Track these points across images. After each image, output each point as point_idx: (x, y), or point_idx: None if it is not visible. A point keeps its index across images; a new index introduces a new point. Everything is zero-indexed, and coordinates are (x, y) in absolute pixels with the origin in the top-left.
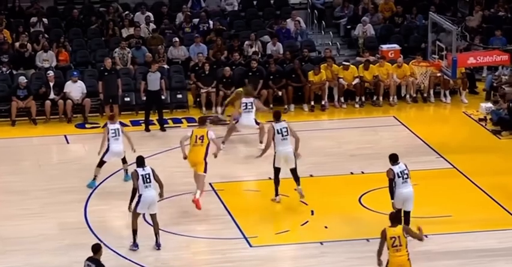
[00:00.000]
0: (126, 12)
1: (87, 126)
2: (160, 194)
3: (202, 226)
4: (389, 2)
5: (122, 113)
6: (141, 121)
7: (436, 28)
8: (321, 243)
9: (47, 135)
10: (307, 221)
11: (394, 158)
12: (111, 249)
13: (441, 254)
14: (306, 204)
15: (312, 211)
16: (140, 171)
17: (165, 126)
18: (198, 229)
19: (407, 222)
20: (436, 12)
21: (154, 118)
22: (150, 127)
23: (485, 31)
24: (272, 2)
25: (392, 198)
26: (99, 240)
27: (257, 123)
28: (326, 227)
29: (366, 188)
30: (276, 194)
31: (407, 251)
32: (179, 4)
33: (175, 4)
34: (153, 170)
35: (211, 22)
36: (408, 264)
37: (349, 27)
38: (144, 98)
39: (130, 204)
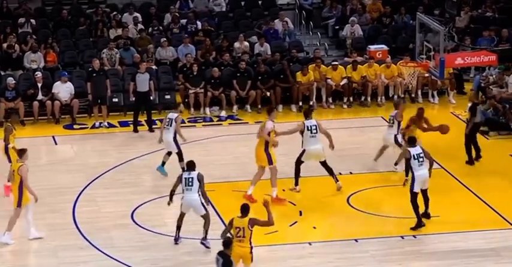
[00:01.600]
0: (114, 13)
1: (75, 126)
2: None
3: (191, 227)
4: (377, 2)
5: (110, 114)
6: (129, 122)
7: (424, 28)
8: (310, 243)
9: (35, 136)
10: (295, 222)
11: (411, 141)
12: (100, 250)
13: (429, 254)
14: (294, 205)
15: (301, 212)
16: (185, 174)
17: (153, 126)
18: (187, 230)
19: (426, 198)
20: (424, 13)
21: (142, 118)
22: (139, 128)
23: (473, 31)
24: (260, 2)
25: (406, 175)
26: (88, 241)
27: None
28: (314, 227)
29: (354, 188)
30: (296, 184)
31: (250, 244)
32: (167, 5)
33: (163, 5)
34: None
35: (199, 23)
36: (249, 257)
37: (337, 27)
38: (133, 99)
39: (169, 200)
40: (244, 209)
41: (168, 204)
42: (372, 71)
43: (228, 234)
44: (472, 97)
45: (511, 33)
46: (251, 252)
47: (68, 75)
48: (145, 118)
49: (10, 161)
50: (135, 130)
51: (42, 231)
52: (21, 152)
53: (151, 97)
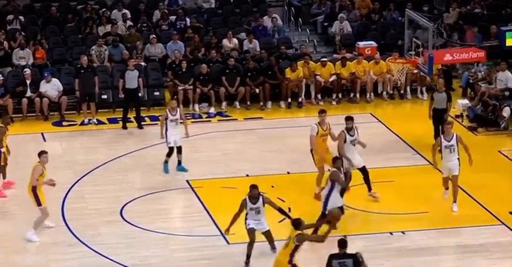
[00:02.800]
0: (103, 10)
1: (64, 123)
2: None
3: (180, 223)
4: None
5: (99, 111)
6: (118, 119)
7: (412, 25)
8: None
9: (24, 133)
10: (284, 218)
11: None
12: (89, 247)
13: (418, 251)
14: (283, 201)
15: (289, 208)
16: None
17: (142, 123)
18: (175, 226)
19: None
20: (413, 9)
21: (131, 115)
22: (128, 124)
23: (461, 28)
24: None
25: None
26: (76, 238)
27: None
28: None
29: None
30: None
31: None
32: (156, 1)
33: (152, 1)
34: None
35: (188, 19)
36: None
37: (326, 24)
38: (122, 96)
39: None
40: (297, 224)
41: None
42: (361, 68)
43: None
44: (434, 81)
45: (499, 29)
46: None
47: (49, 75)
48: (134, 115)
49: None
50: (124, 127)
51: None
52: (40, 153)
53: (139, 94)
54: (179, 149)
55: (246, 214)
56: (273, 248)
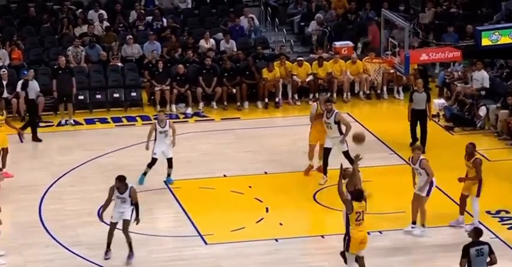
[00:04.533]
0: (80, 10)
1: (41, 124)
2: None
3: (157, 224)
4: None
5: (76, 111)
6: (95, 120)
7: (389, 25)
8: (276, 240)
9: None
10: (262, 218)
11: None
12: (66, 248)
13: (395, 250)
14: (261, 201)
15: (267, 208)
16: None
17: (119, 124)
18: (153, 227)
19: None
20: (389, 9)
21: (108, 116)
22: (104, 125)
23: (437, 27)
24: None
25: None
26: (54, 239)
27: None
28: (281, 224)
29: (321, 185)
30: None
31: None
32: (132, 2)
33: (128, 2)
34: None
35: (164, 20)
36: (367, 240)
37: (302, 24)
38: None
39: None
40: (361, 194)
41: None
42: (338, 67)
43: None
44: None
45: (475, 29)
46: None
47: (27, 73)
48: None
49: None
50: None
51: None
52: None
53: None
54: (169, 162)
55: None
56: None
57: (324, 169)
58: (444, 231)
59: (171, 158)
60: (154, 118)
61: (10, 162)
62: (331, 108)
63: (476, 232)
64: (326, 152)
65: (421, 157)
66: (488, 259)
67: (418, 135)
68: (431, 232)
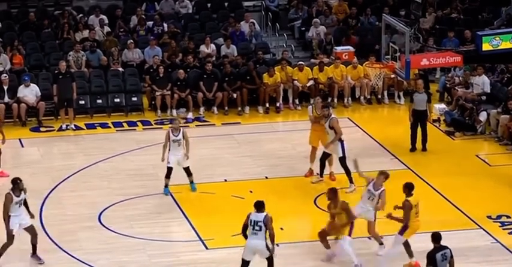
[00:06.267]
0: (80, 15)
1: (41, 129)
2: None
3: (158, 229)
4: (343, 3)
5: (77, 116)
6: (96, 124)
7: (389, 30)
8: (277, 245)
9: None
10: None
11: None
12: (67, 253)
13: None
14: None
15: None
16: (252, 216)
17: (119, 129)
18: (153, 232)
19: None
20: (390, 14)
21: (109, 121)
22: (104, 130)
23: (438, 32)
24: (226, 4)
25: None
26: (54, 244)
27: None
28: (282, 228)
29: (321, 189)
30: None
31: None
32: (133, 7)
33: (129, 7)
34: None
35: (165, 25)
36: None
37: (303, 29)
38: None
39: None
40: (411, 187)
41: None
42: (339, 72)
43: None
44: (411, 85)
45: (476, 34)
46: None
47: (28, 79)
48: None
49: None
50: None
51: None
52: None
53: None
54: (187, 171)
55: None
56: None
57: (320, 170)
58: (444, 236)
59: (187, 167)
60: (155, 122)
61: (12, 166)
62: (327, 113)
63: (436, 237)
64: (324, 155)
65: (383, 187)
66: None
67: (417, 139)
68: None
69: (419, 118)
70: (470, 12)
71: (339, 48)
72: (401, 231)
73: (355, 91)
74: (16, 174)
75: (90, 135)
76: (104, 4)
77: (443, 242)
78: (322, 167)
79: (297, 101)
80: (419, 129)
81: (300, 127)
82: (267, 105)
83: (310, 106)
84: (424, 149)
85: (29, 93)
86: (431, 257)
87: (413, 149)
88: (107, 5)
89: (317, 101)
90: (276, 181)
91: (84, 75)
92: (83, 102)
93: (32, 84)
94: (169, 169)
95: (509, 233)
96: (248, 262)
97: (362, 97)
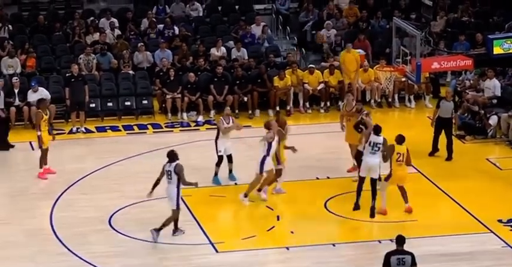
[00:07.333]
0: (91, 18)
1: (52, 132)
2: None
3: (168, 232)
4: (354, 7)
5: (87, 119)
6: (106, 127)
7: (400, 33)
8: (287, 248)
9: (12, 142)
10: (273, 227)
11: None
12: (77, 256)
13: None
14: (272, 209)
15: (278, 216)
16: (166, 166)
17: (130, 132)
18: (164, 235)
19: (373, 190)
20: (400, 17)
21: (119, 124)
22: (115, 133)
23: (449, 36)
24: (237, 7)
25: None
26: (65, 246)
27: None
28: (292, 232)
29: (332, 193)
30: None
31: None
32: (144, 10)
33: (140, 10)
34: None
35: (176, 28)
36: (407, 177)
37: (314, 32)
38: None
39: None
40: (403, 139)
41: (149, 193)
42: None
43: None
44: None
45: (487, 37)
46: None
47: (36, 84)
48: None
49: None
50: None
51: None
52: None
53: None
54: (229, 157)
55: None
56: None
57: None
58: (455, 240)
59: (230, 155)
60: (165, 126)
61: (23, 169)
62: (360, 108)
63: (398, 240)
64: (358, 154)
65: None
66: None
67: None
68: (442, 241)
69: (443, 126)
70: (481, 15)
71: None
72: (386, 179)
73: (365, 94)
74: (27, 177)
75: (100, 138)
76: (114, 7)
77: (452, 247)
78: (359, 165)
79: (307, 104)
80: (442, 137)
81: (310, 131)
82: (278, 108)
83: (341, 103)
84: (449, 158)
85: (38, 97)
86: (386, 257)
87: (432, 153)
88: (118, 8)
89: (348, 98)
90: (286, 185)
91: (95, 78)
92: (93, 105)
93: (40, 88)
94: (220, 157)
95: None
96: None
97: (372, 101)
